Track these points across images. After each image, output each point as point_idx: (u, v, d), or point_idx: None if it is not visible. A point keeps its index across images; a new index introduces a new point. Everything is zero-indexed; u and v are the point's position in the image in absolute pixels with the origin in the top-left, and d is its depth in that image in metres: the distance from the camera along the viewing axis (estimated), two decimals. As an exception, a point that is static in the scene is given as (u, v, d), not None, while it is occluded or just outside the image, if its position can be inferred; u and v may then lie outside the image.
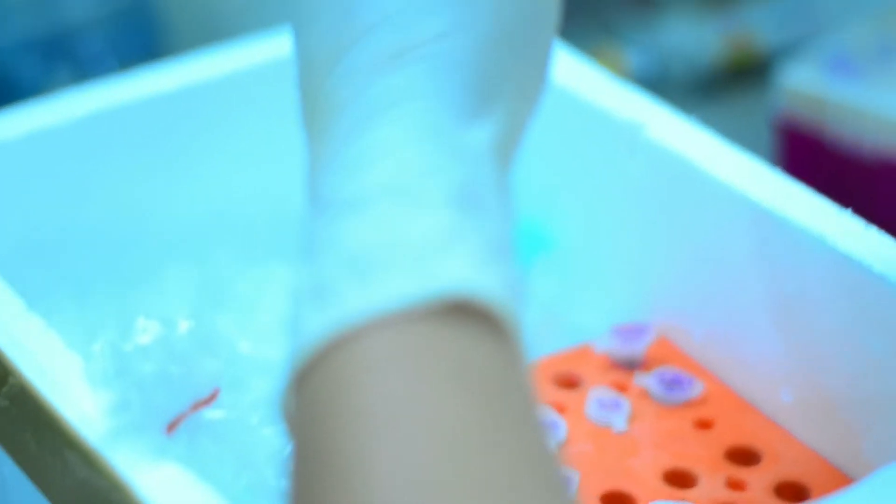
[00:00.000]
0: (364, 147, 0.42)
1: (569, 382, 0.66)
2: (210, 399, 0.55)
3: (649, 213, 0.67)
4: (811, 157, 0.75)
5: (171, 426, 0.53)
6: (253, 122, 0.72)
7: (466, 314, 0.39)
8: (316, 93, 0.45)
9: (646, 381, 0.65)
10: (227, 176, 0.72)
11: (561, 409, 0.64)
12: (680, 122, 0.66)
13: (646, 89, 0.83)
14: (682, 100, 0.83)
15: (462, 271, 0.39)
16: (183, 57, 0.72)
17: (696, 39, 0.84)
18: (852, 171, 0.74)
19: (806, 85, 0.74)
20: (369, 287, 0.39)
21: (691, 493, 0.60)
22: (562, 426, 0.63)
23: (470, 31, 0.44)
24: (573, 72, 0.70)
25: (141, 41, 0.86)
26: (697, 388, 0.65)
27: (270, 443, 0.56)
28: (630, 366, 0.66)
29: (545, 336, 0.67)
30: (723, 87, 0.85)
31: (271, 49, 0.71)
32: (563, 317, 0.69)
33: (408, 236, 0.40)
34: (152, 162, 0.71)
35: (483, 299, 0.39)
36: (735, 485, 0.61)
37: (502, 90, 0.44)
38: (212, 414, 0.55)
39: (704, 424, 0.64)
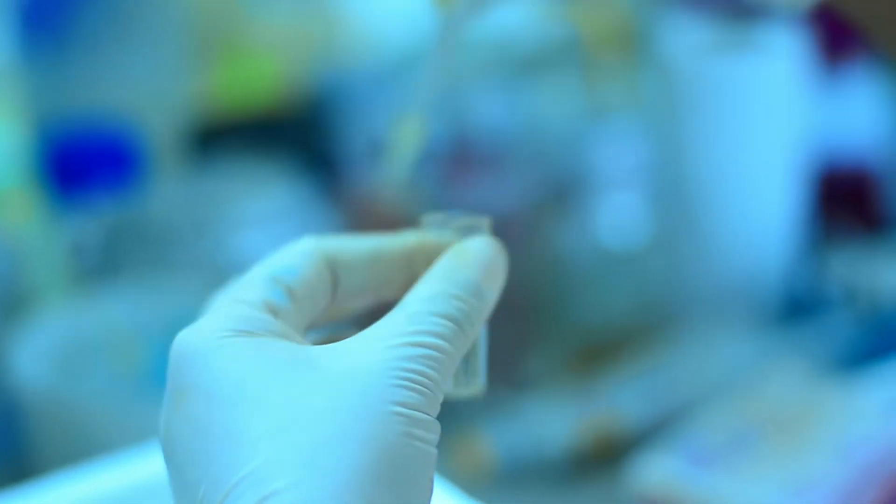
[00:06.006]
0: None
1: None
2: None
3: None
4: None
5: None
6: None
7: None
8: None
9: None
10: None
11: None
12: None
13: (506, 473, 0.85)
14: (542, 482, 0.85)
15: None
16: (56, 475, 0.70)
17: (557, 423, 0.86)
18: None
19: (663, 474, 0.75)
20: None
21: None
22: None
23: (327, 480, 0.43)
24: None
25: (8, 456, 0.85)
26: None
27: None
28: None
29: None
30: (583, 469, 0.86)
31: (143, 467, 0.69)
32: None
33: None
34: None
35: None
36: None
37: None
38: None
39: None
